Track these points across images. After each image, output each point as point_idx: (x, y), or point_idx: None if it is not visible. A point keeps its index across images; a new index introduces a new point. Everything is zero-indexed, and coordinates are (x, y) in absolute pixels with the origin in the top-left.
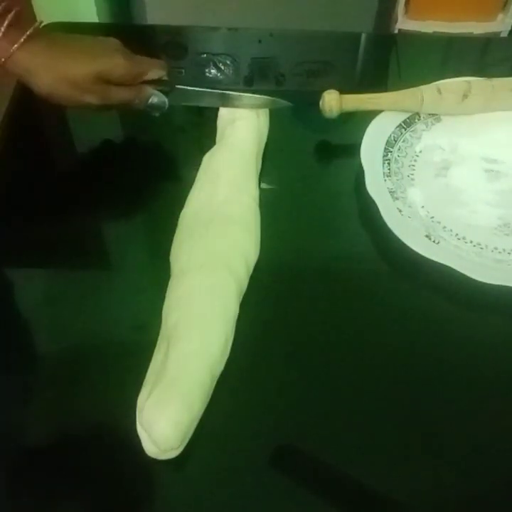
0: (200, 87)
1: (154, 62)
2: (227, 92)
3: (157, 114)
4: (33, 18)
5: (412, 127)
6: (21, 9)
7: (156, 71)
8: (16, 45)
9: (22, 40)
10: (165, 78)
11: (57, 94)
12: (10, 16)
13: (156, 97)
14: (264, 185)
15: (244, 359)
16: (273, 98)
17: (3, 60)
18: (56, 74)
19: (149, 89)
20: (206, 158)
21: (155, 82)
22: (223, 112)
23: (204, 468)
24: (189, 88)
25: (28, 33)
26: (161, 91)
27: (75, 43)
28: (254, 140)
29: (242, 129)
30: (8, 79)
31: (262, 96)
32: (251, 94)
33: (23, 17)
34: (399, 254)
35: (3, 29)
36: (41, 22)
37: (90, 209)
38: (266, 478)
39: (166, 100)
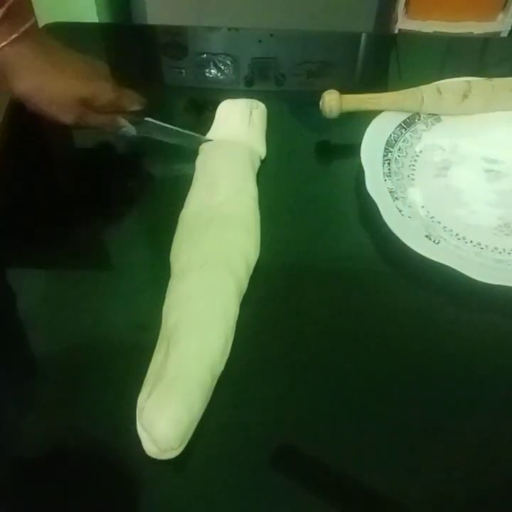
0: (167, 124)
1: (133, 95)
2: (195, 134)
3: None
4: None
5: (412, 127)
6: (15, 3)
7: (134, 105)
8: (4, 42)
9: (12, 37)
10: (140, 109)
11: (34, 102)
12: (2, 10)
13: (126, 128)
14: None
15: (245, 359)
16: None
17: None
18: (39, 87)
19: (122, 120)
20: (201, 157)
21: (129, 112)
22: (223, 106)
23: (204, 468)
24: (157, 122)
25: (21, 30)
26: (131, 121)
27: (66, 63)
28: (245, 135)
29: (235, 123)
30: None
31: (234, 141)
32: (219, 140)
33: (18, 13)
34: (399, 254)
35: None
36: (35, 21)
37: (90, 209)
38: (266, 478)
39: (135, 133)
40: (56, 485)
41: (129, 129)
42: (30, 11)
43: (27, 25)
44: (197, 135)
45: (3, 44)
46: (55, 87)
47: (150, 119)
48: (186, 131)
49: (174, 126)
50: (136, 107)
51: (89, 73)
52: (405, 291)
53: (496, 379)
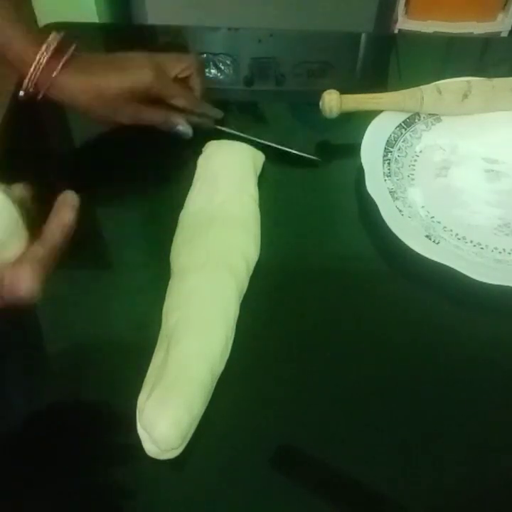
0: (240, 132)
1: (182, 91)
2: (271, 144)
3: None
4: (33, 18)
5: (412, 127)
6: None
7: (181, 100)
8: (55, 72)
9: (59, 66)
10: (195, 111)
11: (94, 113)
12: (52, 47)
13: (182, 127)
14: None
15: (245, 359)
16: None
17: (45, 88)
18: (90, 93)
19: (177, 117)
20: (203, 157)
21: (198, 116)
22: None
23: (204, 468)
24: (228, 130)
25: (64, 58)
26: (201, 125)
27: (106, 60)
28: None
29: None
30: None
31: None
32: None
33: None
34: (399, 254)
35: (45, 59)
36: (76, 46)
37: (90, 209)
38: (266, 478)
39: (190, 132)
40: (56, 485)
41: (185, 130)
42: (33, 16)
43: (70, 50)
44: (269, 143)
45: (54, 74)
46: (104, 85)
47: (223, 128)
48: (264, 142)
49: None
50: (183, 104)
51: (130, 63)
52: (405, 291)
53: (496, 379)
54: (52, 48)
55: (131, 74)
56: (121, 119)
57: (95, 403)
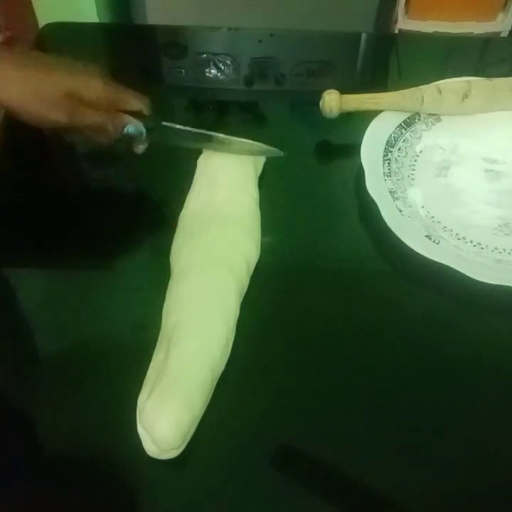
0: (189, 127)
1: (135, 94)
2: (217, 134)
3: (139, 151)
4: (33, 18)
5: (412, 127)
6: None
7: (135, 103)
8: None
9: None
10: (146, 113)
11: (24, 109)
12: None
13: (132, 126)
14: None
15: (245, 359)
16: (266, 147)
17: None
18: (25, 87)
19: (125, 117)
20: (203, 157)
21: (138, 116)
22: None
23: (204, 468)
24: (177, 126)
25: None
26: (144, 124)
27: (51, 59)
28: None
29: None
30: None
31: (254, 142)
32: (243, 140)
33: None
34: (399, 254)
35: None
36: (8, 33)
37: (90, 209)
38: (266, 478)
39: (144, 130)
40: (56, 484)
41: (138, 129)
42: (33, 16)
43: (4, 36)
44: (221, 135)
45: None
46: (40, 84)
47: (168, 124)
48: (211, 133)
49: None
50: (137, 106)
51: (78, 69)
52: (405, 291)
53: (496, 379)
54: None
55: (77, 80)
56: (57, 117)
57: (95, 403)
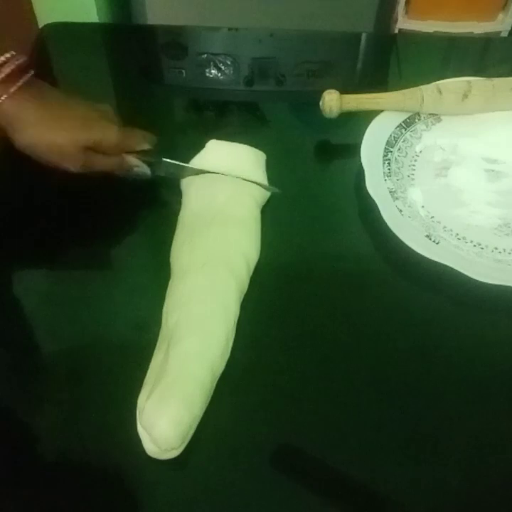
0: (187, 164)
1: (143, 134)
2: (214, 172)
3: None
4: (33, 18)
5: (412, 127)
6: (27, 62)
7: (143, 144)
8: (4, 96)
9: (12, 90)
10: (150, 148)
11: (37, 156)
12: (8, 69)
13: (139, 168)
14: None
15: (245, 359)
16: (263, 185)
17: None
18: (41, 139)
19: (133, 160)
20: (203, 157)
21: (141, 152)
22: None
23: (204, 468)
24: (176, 163)
25: (18, 84)
26: (145, 162)
27: (68, 109)
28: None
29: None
30: None
31: (251, 182)
32: (240, 179)
33: (23, 68)
34: (399, 254)
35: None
36: (32, 73)
37: (90, 209)
38: (266, 478)
39: (149, 172)
40: (56, 484)
41: (143, 169)
42: (33, 16)
43: (26, 77)
44: (214, 172)
45: (3, 97)
46: (56, 137)
47: (168, 160)
48: (205, 170)
49: (191, 165)
50: (145, 146)
51: (90, 118)
52: (405, 291)
53: (495, 379)
54: (7, 69)
55: (92, 133)
56: (69, 166)
57: (95, 403)
